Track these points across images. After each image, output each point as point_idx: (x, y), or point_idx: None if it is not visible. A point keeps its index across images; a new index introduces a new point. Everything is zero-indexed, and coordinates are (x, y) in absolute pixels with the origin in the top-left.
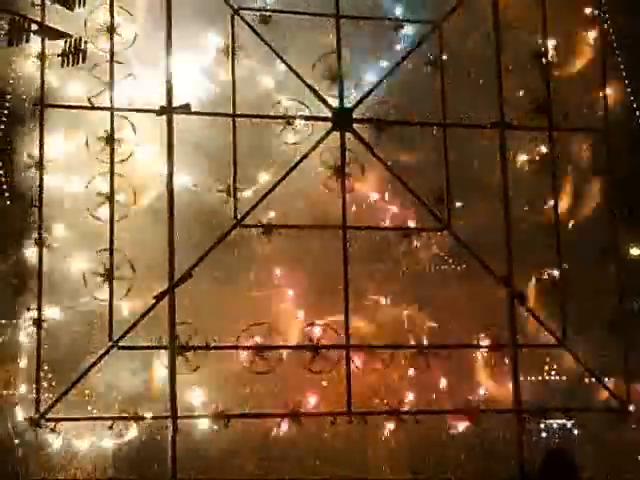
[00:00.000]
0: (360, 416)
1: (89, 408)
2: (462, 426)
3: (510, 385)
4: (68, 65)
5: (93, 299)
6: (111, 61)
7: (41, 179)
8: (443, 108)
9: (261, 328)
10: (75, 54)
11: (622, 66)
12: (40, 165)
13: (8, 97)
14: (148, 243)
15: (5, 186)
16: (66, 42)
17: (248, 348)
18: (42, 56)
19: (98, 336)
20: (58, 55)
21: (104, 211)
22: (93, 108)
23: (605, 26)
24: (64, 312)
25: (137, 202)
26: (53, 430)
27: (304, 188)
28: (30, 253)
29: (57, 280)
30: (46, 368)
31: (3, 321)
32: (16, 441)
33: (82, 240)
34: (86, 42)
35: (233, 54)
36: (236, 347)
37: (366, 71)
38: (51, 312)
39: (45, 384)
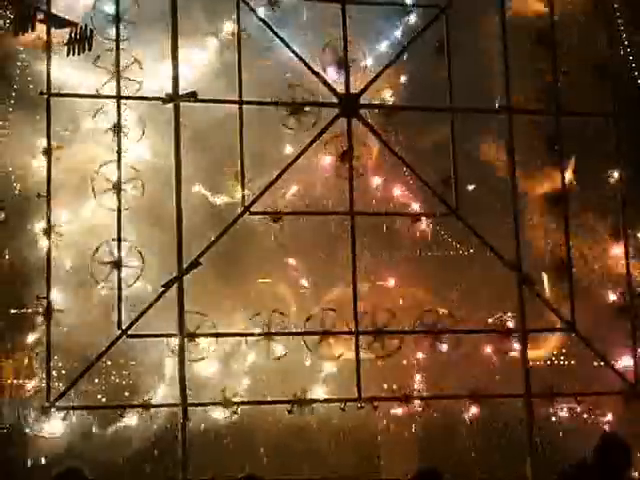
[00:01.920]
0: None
1: None
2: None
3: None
4: (74, 54)
5: (102, 288)
6: (117, 50)
7: (49, 168)
8: (450, 93)
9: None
10: (81, 43)
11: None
12: (48, 154)
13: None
14: (157, 232)
15: (13, 177)
16: (72, 31)
17: (256, 335)
18: (48, 45)
19: (108, 324)
20: (64, 44)
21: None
22: (99, 97)
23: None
24: (74, 301)
25: (145, 191)
26: (64, 419)
27: (311, 174)
28: (39, 242)
29: (66, 269)
30: (56, 357)
31: (14, 310)
32: (27, 429)
33: (91, 229)
34: (92, 31)
35: (239, 40)
36: (244, 334)
37: (372, 57)
38: (61, 301)
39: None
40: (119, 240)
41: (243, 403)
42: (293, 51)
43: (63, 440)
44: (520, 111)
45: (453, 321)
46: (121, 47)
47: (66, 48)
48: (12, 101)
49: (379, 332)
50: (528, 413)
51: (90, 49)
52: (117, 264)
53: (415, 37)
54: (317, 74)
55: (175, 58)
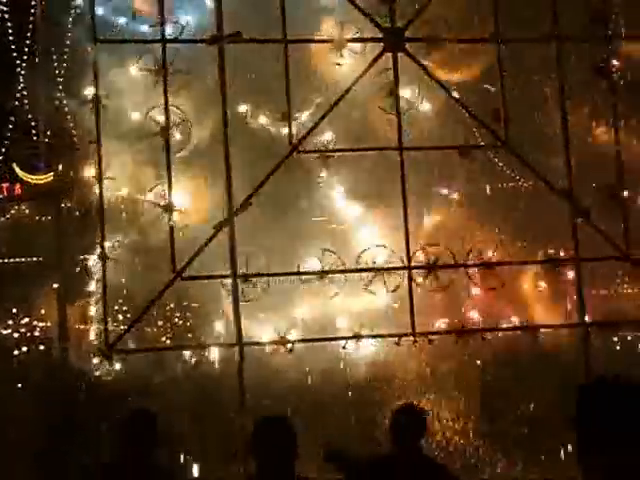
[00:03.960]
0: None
1: None
2: None
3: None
4: None
5: (156, 231)
6: None
7: (97, 115)
8: (496, 22)
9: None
10: None
11: None
12: (96, 101)
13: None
14: (206, 174)
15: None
16: None
17: (309, 273)
18: None
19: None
20: None
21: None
22: (145, 41)
23: None
24: (129, 245)
25: (192, 133)
26: (124, 360)
27: (358, 111)
28: (91, 188)
29: (119, 213)
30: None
31: (73, 256)
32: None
33: (141, 174)
34: None
35: None
36: (297, 273)
37: None
38: (116, 245)
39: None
40: (170, 183)
41: (298, 341)
42: None
43: (122, 383)
44: (569, 39)
45: (505, 253)
46: None
47: None
48: (66, 49)
49: (431, 267)
50: (584, 343)
51: None
52: (168, 208)
53: None
54: (360, 9)
55: None
